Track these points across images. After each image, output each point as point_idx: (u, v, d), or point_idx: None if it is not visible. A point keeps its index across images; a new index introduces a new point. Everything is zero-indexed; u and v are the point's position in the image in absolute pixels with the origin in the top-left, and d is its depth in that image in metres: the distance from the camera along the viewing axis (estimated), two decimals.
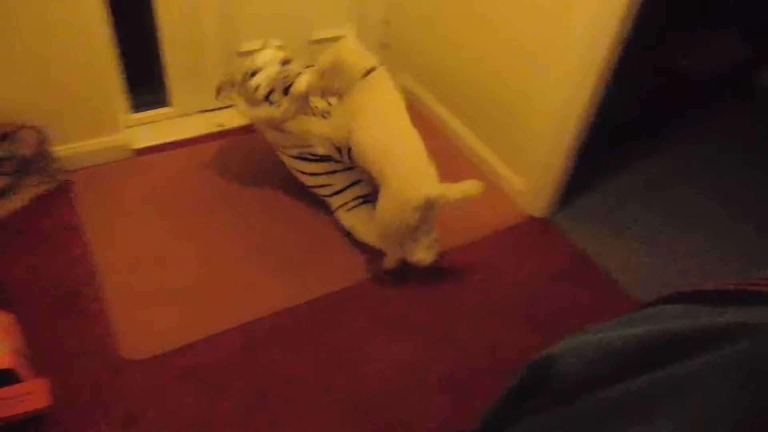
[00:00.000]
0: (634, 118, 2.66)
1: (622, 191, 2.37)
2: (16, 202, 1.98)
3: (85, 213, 2.00)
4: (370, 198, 1.97)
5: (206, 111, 2.48)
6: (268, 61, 1.96)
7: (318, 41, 2.58)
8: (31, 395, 1.42)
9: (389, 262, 1.87)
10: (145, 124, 2.37)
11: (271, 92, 1.95)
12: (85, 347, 1.64)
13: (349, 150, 1.88)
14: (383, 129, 1.76)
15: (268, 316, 1.77)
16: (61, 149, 2.08)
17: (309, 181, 2.03)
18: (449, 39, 2.36)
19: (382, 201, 1.74)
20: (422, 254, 1.82)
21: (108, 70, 2.10)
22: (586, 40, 1.78)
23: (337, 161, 1.97)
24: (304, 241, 2.00)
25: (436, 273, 1.95)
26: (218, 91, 2.05)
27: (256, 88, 1.95)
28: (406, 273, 1.92)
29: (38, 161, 2.02)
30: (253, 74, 1.95)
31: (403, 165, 1.71)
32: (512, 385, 0.48)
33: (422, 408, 1.60)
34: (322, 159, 1.97)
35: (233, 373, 1.63)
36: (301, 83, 1.84)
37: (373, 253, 1.95)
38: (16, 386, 1.41)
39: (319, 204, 2.07)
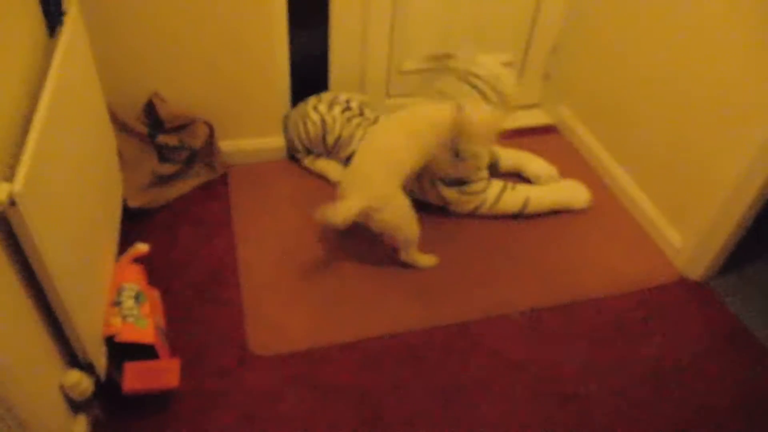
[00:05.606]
0: None
1: None
2: (182, 188, 2.17)
3: (236, 207, 2.13)
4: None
5: None
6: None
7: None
8: (166, 372, 1.51)
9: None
10: None
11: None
12: (216, 335, 1.74)
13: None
14: None
15: (391, 334, 1.78)
16: (225, 144, 2.24)
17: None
18: (625, 78, 2.20)
19: None
20: None
21: (280, 78, 2.22)
22: None
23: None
24: (442, 270, 1.98)
25: (567, 322, 1.84)
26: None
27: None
28: (535, 318, 1.84)
29: (205, 153, 2.19)
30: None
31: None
32: None
33: None
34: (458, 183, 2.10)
35: (350, 387, 1.65)
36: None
37: (507, 291, 1.89)
38: (155, 362, 1.51)
39: (464, 239, 2.08)
